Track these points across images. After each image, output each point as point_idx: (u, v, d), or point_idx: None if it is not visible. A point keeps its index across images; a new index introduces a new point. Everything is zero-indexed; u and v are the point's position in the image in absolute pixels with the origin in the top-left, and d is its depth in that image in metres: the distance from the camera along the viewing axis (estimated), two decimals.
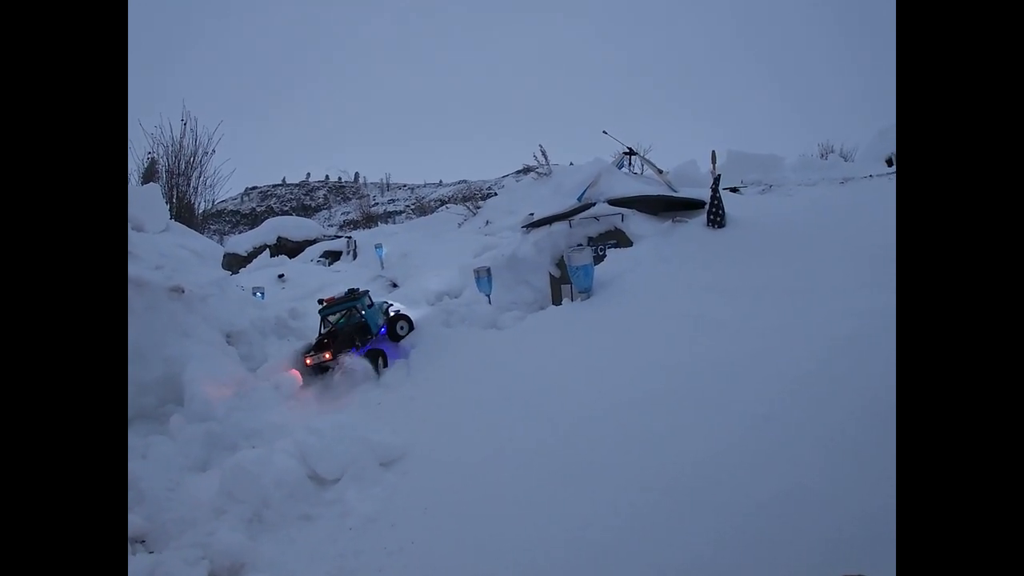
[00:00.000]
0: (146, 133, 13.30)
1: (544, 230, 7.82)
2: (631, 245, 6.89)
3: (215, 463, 4.10)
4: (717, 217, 6.33)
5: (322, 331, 6.64)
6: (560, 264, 7.23)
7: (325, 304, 6.87)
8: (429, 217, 22.72)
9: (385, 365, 6.13)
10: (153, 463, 3.98)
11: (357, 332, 6.42)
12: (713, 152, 7.01)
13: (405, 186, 52.05)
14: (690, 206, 7.16)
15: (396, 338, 6.79)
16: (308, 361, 5.99)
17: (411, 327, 6.98)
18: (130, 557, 2.71)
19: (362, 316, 6.59)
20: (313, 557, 2.85)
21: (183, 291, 5.48)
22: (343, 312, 6.69)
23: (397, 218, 34.03)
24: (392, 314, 7.19)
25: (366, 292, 7.07)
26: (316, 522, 3.25)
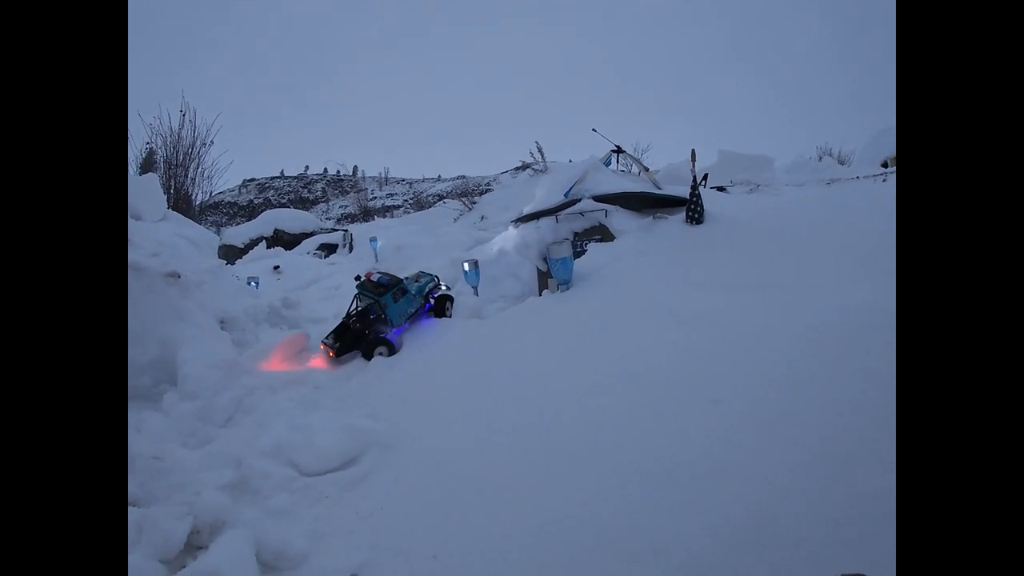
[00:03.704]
0: (145, 124, 13.43)
1: (532, 225, 8.03)
2: (614, 240, 7.11)
3: (206, 437, 4.32)
4: (695, 214, 6.55)
5: (351, 310, 6.63)
6: (547, 258, 7.44)
7: (362, 282, 6.83)
8: (425, 212, 22.82)
9: (392, 353, 6.08)
10: (146, 436, 4.19)
11: (372, 326, 6.37)
12: (693, 151, 7.19)
13: (403, 181, 51.99)
14: (673, 203, 7.36)
15: (443, 315, 6.84)
16: (322, 346, 6.21)
17: (452, 305, 7.05)
18: None
19: (382, 312, 6.44)
20: (290, 519, 3.07)
21: (179, 276, 5.67)
22: (370, 302, 6.54)
23: (395, 212, 34.13)
24: (438, 292, 7.15)
25: (401, 281, 6.69)
26: (295, 492, 3.46)
